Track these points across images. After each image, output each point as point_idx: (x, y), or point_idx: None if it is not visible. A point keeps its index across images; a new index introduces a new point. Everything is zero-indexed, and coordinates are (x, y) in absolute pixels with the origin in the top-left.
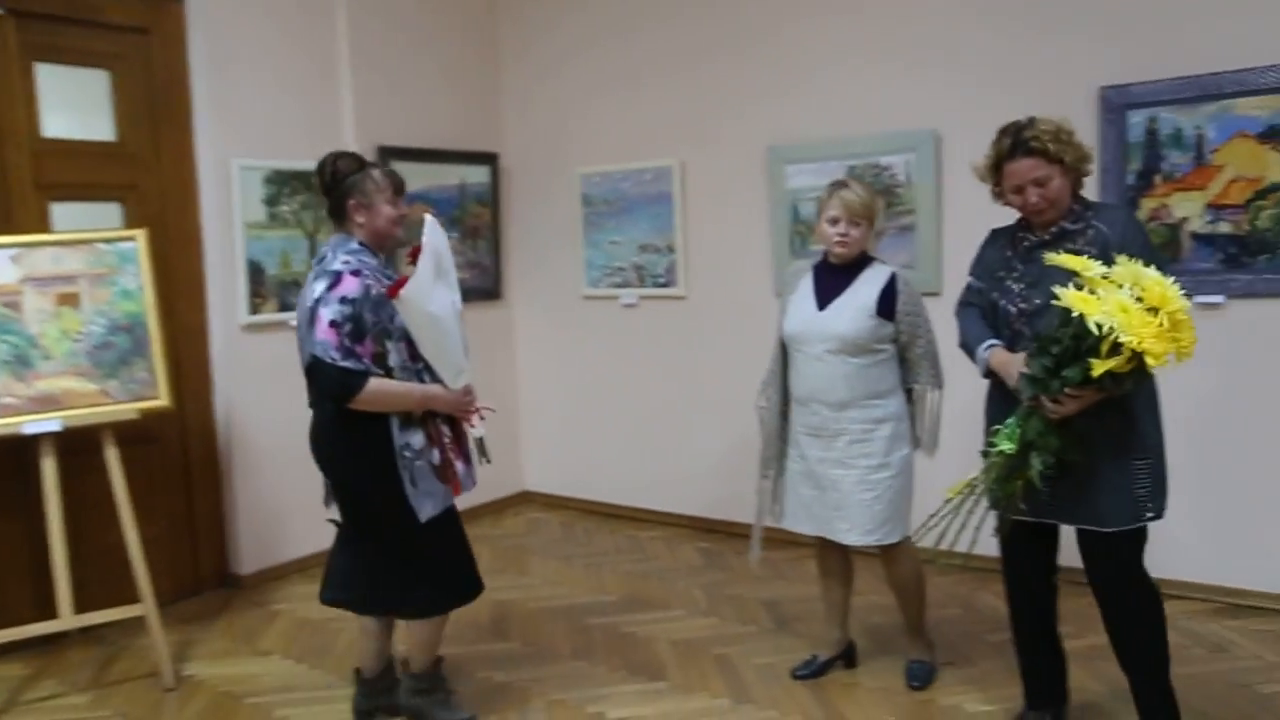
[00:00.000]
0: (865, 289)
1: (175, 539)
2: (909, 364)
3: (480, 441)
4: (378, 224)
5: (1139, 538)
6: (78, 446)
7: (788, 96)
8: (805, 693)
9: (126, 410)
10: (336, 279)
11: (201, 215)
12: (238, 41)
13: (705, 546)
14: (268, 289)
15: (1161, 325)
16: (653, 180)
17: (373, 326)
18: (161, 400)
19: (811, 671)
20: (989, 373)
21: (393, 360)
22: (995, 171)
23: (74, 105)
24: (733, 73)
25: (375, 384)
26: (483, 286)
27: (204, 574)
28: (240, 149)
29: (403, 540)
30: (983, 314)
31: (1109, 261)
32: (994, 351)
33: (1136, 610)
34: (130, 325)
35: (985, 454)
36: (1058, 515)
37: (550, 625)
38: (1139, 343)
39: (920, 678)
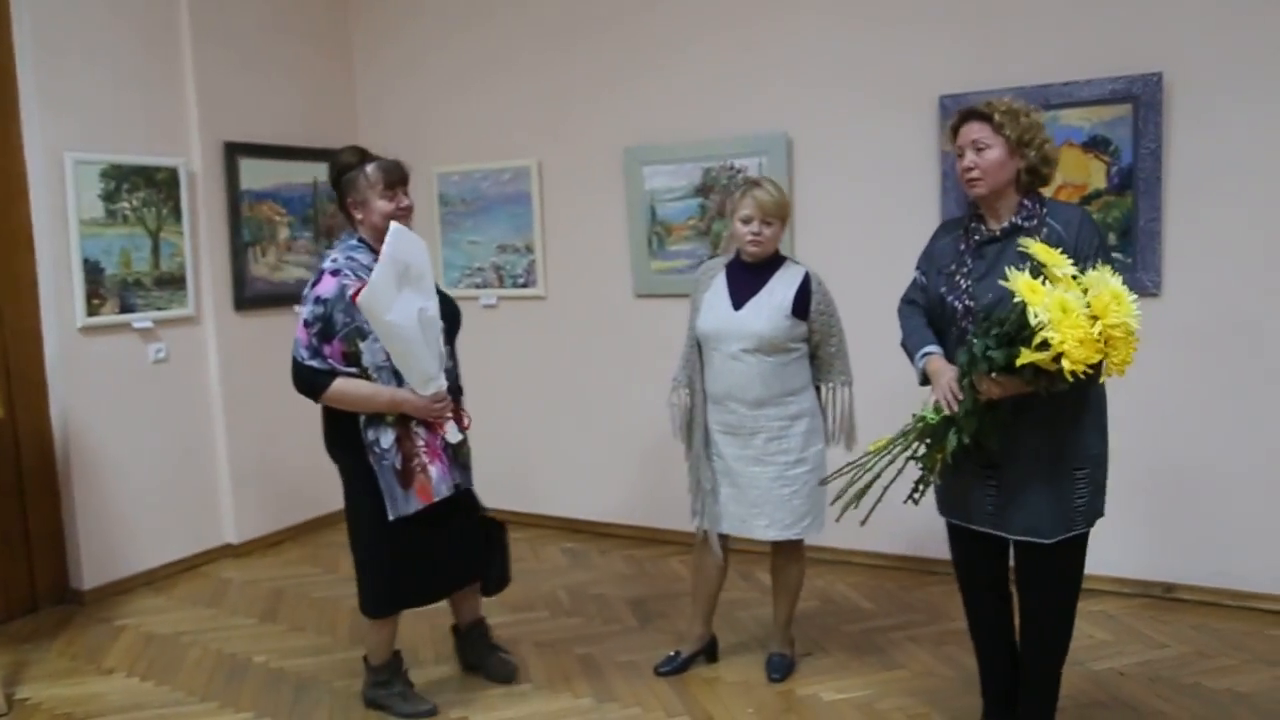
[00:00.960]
0: (780, 288)
1: (8, 555)
2: (820, 362)
3: (462, 444)
4: (373, 220)
5: (1079, 544)
6: None
7: (644, 97)
8: (667, 689)
9: None
10: (318, 278)
11: (32, 211)
12: (70, 26)
13: (571, 547)
14: (107, 290)
15: (1094, 335)
16: (511, 180)
17: (343, 327)
18: None
19: (674, 668)
20: (925, 380)
21: (367, 360)
22: (954, 137)
23: None
24: (589, 72)
25: (341, 384)
26: None
27: (41, 590)
28: (75, 141)
29: (353, 533)
30: (926, 313)
31: None
32: (930, 359)
33: (1059, 609)
34: None
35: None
36: (998, 525)
37: (412, 631)
38: (1061, 342)
39: (781, 670)
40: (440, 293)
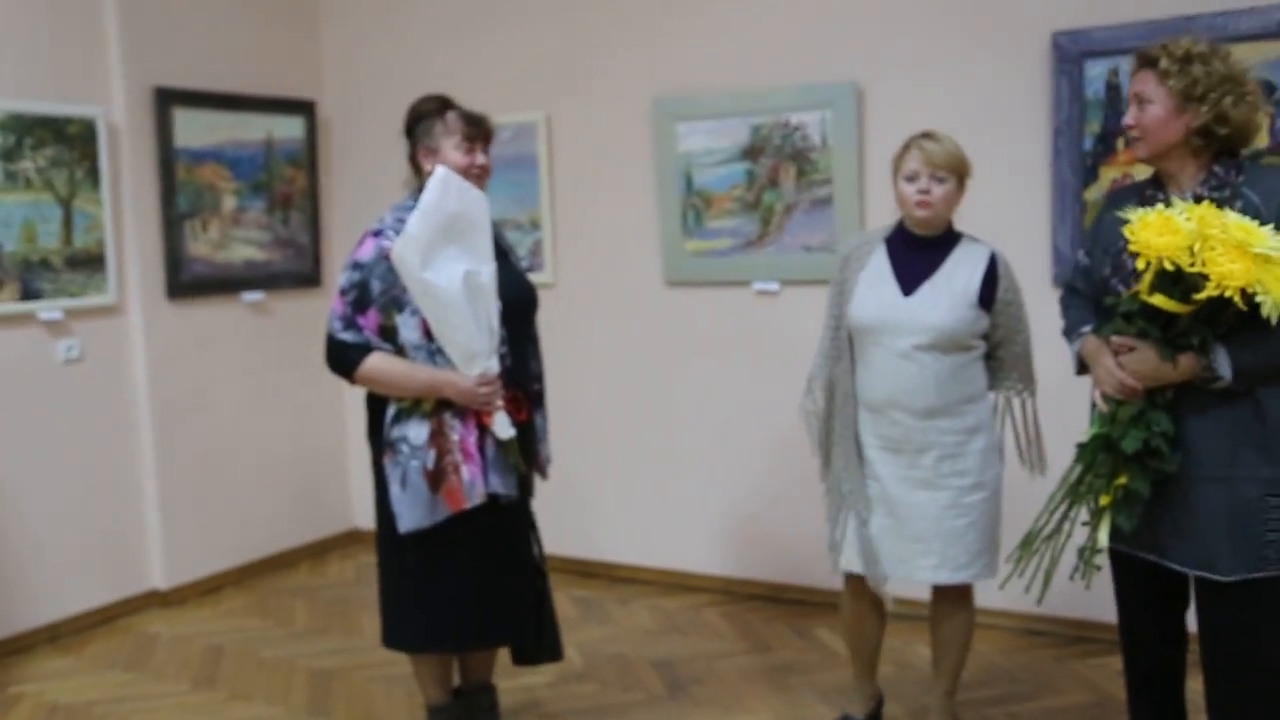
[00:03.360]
0: (962, 271)
1: None
2: (999, 363)
3: (511, 443)
4: None
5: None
6: None
7: (678, 40)
8: None
9: None
10: (360, 241)
11: None
12: None
13: (581, 595)
14: (5, 271)
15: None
16: (512, 139)
17: (380, 295)
18: None
19: None
20: (1082, 367)
21: (404, 336)
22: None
23: None
24: (612, 8)
25: (374, 360)
26: (296, 270)
27: None
28: None
29: (381, 551)
30: (1094, 304)
31: None
32: (1087, 339)
33: (1248, 678)
34: None
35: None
36: (1167, 554)
37: (385, 699)
38: (1206, 265)
39: None
40: (512, 268)
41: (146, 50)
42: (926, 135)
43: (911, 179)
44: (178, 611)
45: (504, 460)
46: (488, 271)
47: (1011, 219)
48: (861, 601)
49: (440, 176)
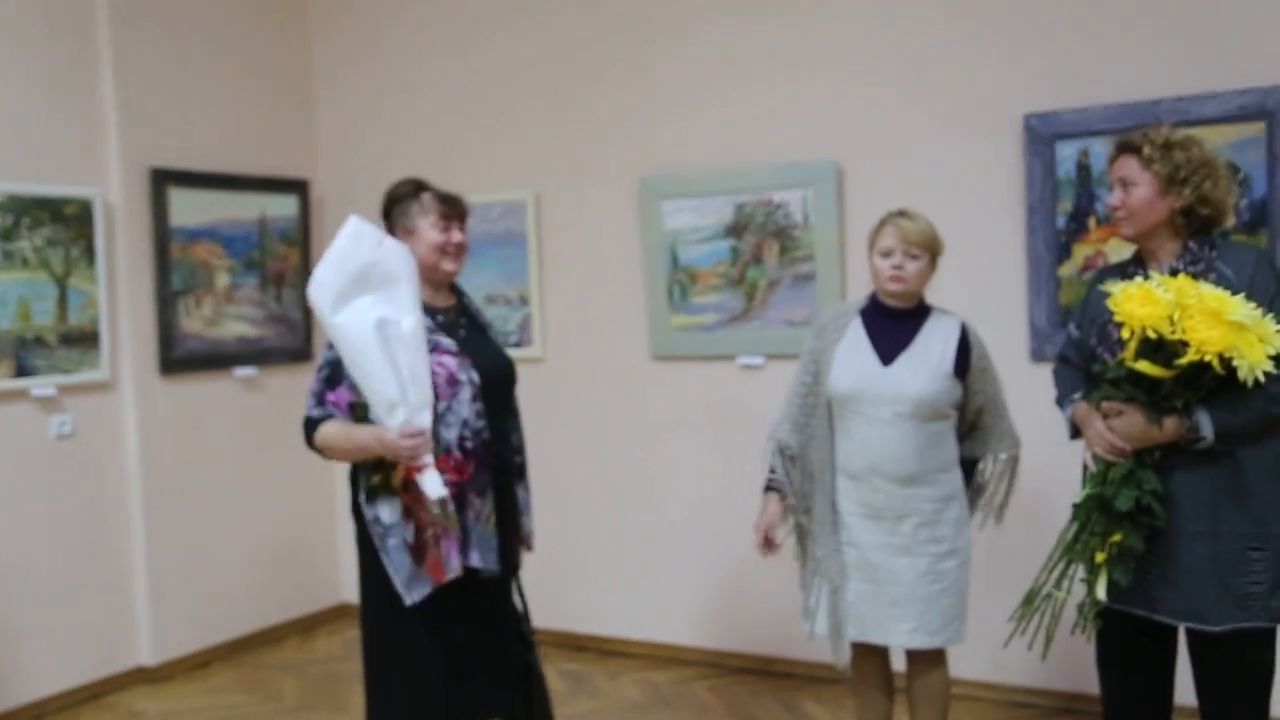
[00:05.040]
0: (936, 342)
1: None
2: (985, 431)
3: (441, 503)
4: (420, 251)
5: (1264, 641)
6: None
7: (664, 120)
8: None
9: None
10: None
11: None
12: None
13: (570, 668)
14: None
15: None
16: (502, 217)
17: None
18: None
19: None
20: (1075, 432)
21: (374, 413)
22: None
23: None
24: (600, 90)
25: (325, 427)
26: (288, 346)
27: None
28: None
29: (365, 628)
30: (1084, 373)
31: None
32: (1078, 405)
33: None
34: None
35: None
36: (1155, 606)
37: None
38: (1186, 332)
39: None
40: (490, 343)
41: (143, 131)
42: (902, 213)
43: (886, 255)
44: (165, 688)
45: (482, 531)
46: (409, 322)
47: (988, 294)
48: (868, 667)
49: (352, 225)
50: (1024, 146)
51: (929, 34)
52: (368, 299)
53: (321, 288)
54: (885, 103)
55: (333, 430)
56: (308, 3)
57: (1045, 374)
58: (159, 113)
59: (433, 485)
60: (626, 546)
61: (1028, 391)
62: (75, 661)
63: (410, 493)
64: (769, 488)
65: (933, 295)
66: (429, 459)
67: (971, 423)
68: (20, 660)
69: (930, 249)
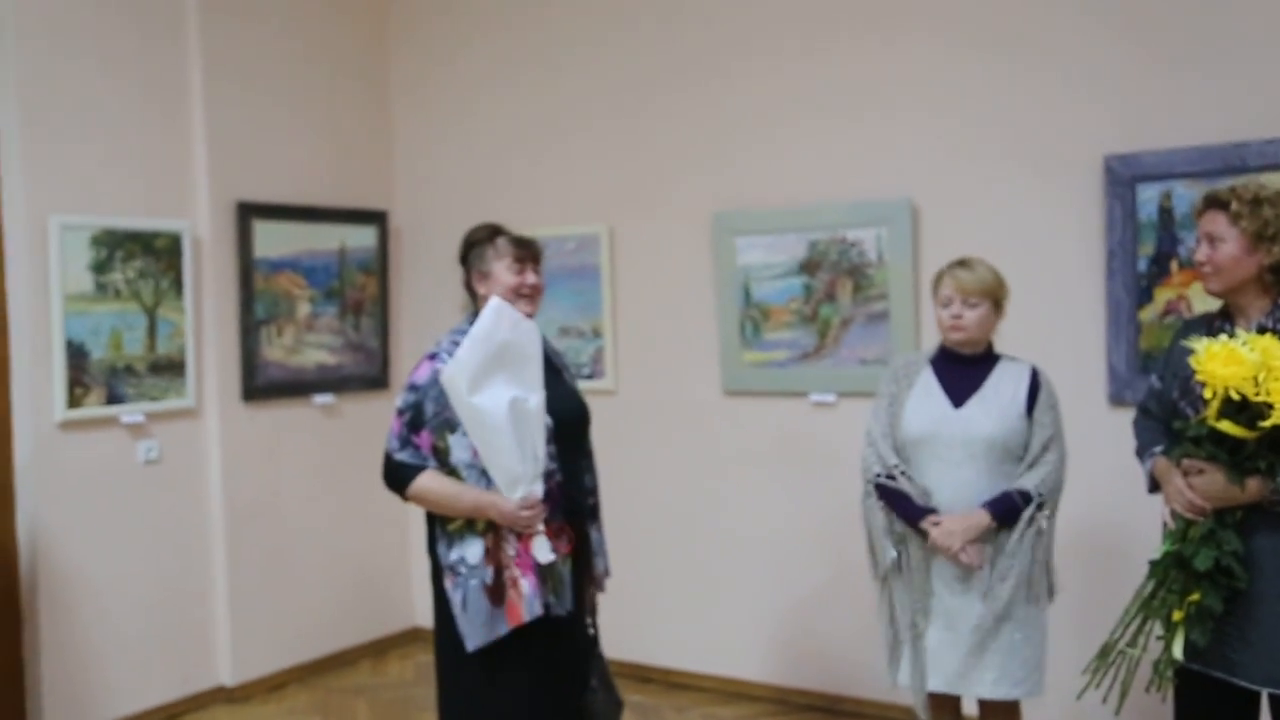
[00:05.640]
0: (1007, 385)
1: None
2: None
3: (550, 569)
4: (495, 294)
5: None
6: None
7: (738, 156)
8: None
9: None
10: (419, 364)
11: (7, 283)
12: (63, 67)
13: (638, 700)
14: (92, 377)
15: None
16: (576, 250)
17: (433, 418)
18: None
19: None
20: (1154, 485)
21: (456, 456)
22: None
23: None
24: (674, 125)
25: (424, 480)
26: (366, 374)
27: None
28: (61, 203)
29: (440, 666)
30: (1165, 425)
31: None
32: (1158, 459)
33: None
34: None
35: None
36: (1226, 667)
37: None
38: (1271, 394)
39: None
40: (565, 385)
41: (230, 167)
42: (960, 263)
43: (946, 304)
44: (242, 709)
45: (557, 572)
46: (535, 399)
47: (1066, 339)
48: (942, 716)
49: (494, 307)
50: (1104, 188)
51: (1007, 72)
52: (501, 377)
53: (461, 367)
54: (962, 141)
55: (435, 485)
56: (386, 40)
57: (1123, 419)
58: (244, 148)
59: (542, 551)
60: (695, 579)
61: (1106, 437)
62: (159, 680)
63: (491, 532)
64: (910, 513)
65: (1008, 336)
66: (541, 527)
67: (1030, 462)
68: (106, 678)
69: (990, 296)
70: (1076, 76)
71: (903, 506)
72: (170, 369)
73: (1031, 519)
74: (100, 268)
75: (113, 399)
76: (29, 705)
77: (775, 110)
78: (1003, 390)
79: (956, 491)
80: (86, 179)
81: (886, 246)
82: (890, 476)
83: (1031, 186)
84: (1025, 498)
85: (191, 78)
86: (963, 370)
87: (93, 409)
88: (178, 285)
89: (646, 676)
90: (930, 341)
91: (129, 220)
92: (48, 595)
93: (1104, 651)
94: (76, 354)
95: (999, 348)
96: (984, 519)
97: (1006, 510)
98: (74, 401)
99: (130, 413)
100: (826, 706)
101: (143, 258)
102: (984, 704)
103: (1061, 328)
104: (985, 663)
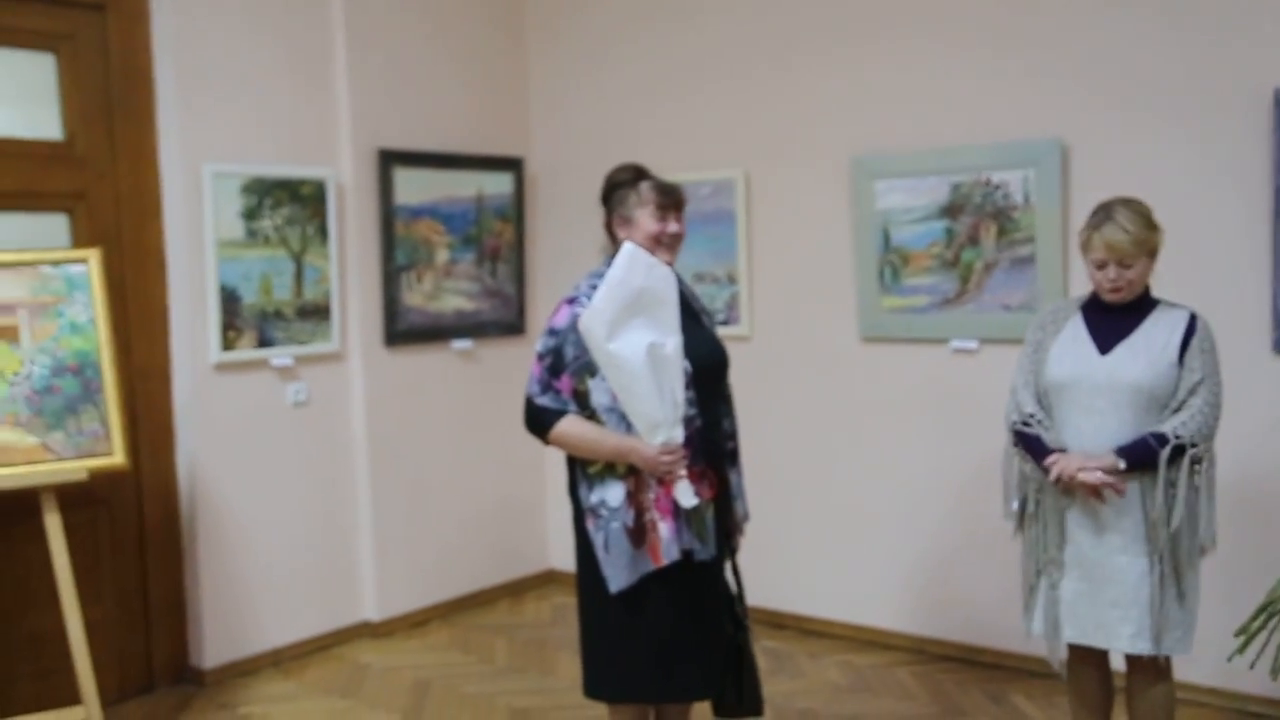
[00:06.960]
0: (1160, 331)
1: (125, 624)
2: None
3: (694, 513)
4: (636, 240)
5: None
6: (11, 510)
7: (877, 97)
8: None
9: (73, 469)
10: (557, 307)
11: (165, 231)
12: (213, 23)
13: (772, 646)
14: (244, 320)
15: None
16: (711, 196)
17: (573, 361)
18: (115, 458)
19: None
20: None
21: (595, 400)
22: None
23: (11, 96)
24: (811, 68)
25: (566, 424)
26: (503, 319)
27: (158, 667)
28: (214, 152)
29: (581, 605)
30: None
31: None
32: None
33: None
34: (79, 366)
35: None
36: None
37: None
38: None
39: None
40: (703, 330)
41: (371, 115)
42: (1109, 218)
43: (1100, 267)
44: (386, 643)
45: (693, 525)
46: (673, 344)
47: (1227, 281)
48: (1085, 668)
49: (628, 252)
50: (1273, 123)
51: (1166, 1)
52: (638, 322)
53: (597, 314)
54: (1114, 78)
55: (576, 429)
56: None
57: None
58: (386, 97)
59: (685, 495)
60: (831, 526)
61: (1268, 385)
62: (308, 614)
63: (633, 475)
64: (1039, 454)
65: (1165, 280)
66: (683, 471)
67: (1175, 407)
68: (258, 612)
69: (1148, 249)
70: (1243, 2)
71: (1034, 448)
72: (316, 314)
73: (1180, 465)
74: (250, 214)
75: (263, 342)
76: (189, 633)
77: (916, 50)
78: (1155, 337)
79: (1099, 442)
80: (237, 129)
81: (1034, 189)
82: (1025, 424)
83: (1191, 122)
84: (1161, 440)
85: (334, 30)
86: (1115, 317)
87: (245, 352)
88: (323, 232)
89: (780, 623)
90: (1079, 288)
91: (277, 168)
92: (205, 530)
93: (1258, 611)
94: (229, 299)
95: (1156, 292)
96: (1111, 459)
97: (1140, 453)
98: (228, 344)
99: (279, 356)
100: (964, 657)
101: (290, 205)
102: (1131, 660)
103: (1222, 272)
104: (1124, 616)
